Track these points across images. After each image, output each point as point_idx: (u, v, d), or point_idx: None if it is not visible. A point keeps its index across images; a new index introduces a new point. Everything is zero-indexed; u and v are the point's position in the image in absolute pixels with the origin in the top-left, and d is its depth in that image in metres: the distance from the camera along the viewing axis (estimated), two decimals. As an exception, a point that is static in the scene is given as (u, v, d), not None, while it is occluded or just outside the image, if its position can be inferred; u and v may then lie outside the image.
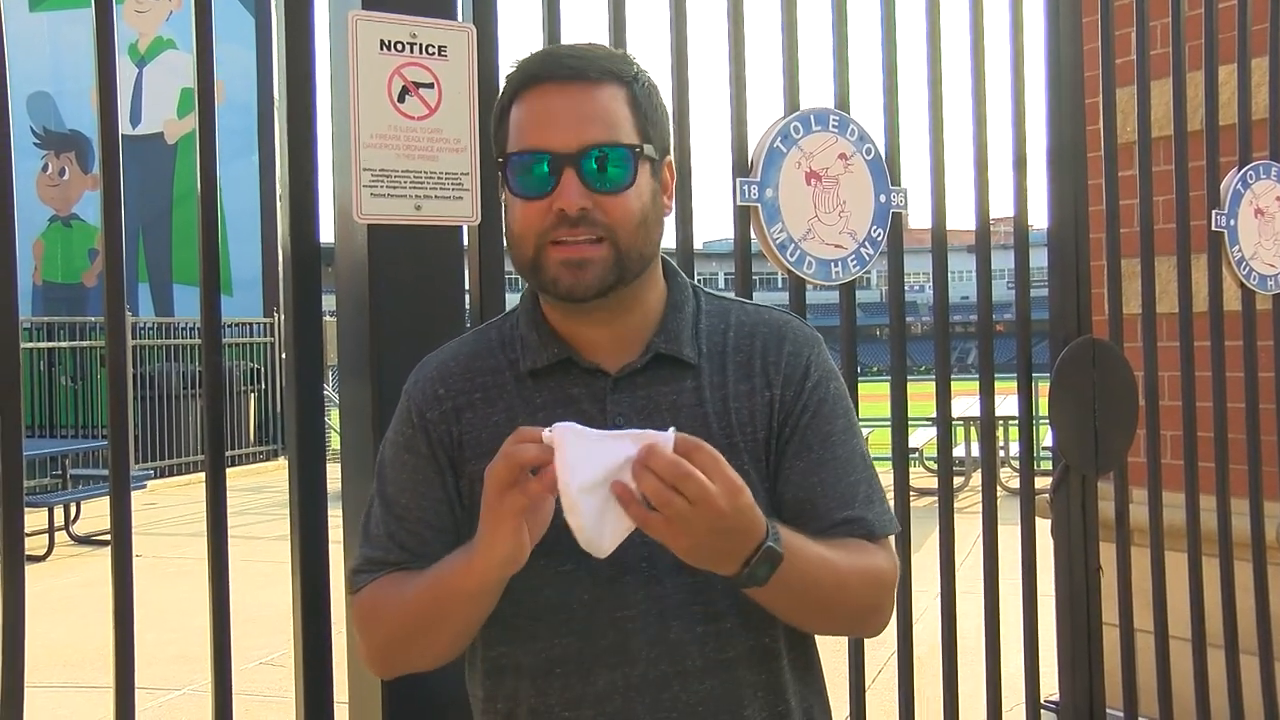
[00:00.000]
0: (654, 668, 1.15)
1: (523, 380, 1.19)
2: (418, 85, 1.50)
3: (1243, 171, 2.63)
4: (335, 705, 1.57)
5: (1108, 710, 2.41)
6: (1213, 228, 2.59)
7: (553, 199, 1.10)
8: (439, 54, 1.51)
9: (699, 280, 1.39)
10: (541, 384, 1.18)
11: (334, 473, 1.57)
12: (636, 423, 1.14)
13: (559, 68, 1.13)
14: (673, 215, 1.55)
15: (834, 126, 2.03)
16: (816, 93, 2.03)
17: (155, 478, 9.95)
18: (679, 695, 1.16)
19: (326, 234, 1.58)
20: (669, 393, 1.18)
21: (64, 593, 6.18)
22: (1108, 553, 2.42)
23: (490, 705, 1.22)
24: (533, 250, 1.12)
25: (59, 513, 7.64)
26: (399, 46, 1.48)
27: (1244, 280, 2.63)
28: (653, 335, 1.19)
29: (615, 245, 1.11)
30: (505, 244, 1.18)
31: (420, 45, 1.50)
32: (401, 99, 1.48)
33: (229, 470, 1.52)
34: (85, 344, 11.37)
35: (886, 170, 2.09)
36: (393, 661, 1.23)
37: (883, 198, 2.08)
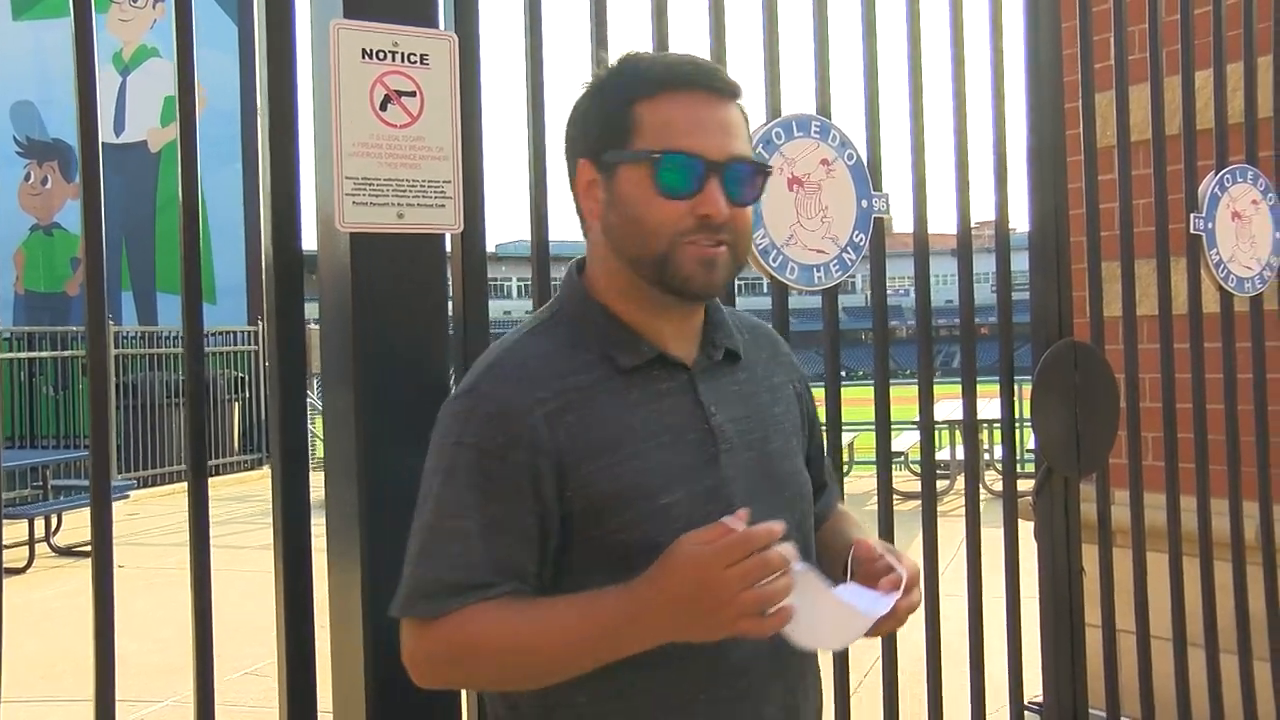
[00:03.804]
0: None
1: (610, 378, 1.20)
2: (400, 93, 1.50)
3: (1220, 175, 2.66)
4: (319, 715, 1.57)
5: (1090, 711, 2.42)
6: (1191, 231, 2.62)
7: (696, 203, 1.16)
8: (421, 62, 1.51)
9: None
10: (630, 380, 1.20)
11: (317, 481, 1.56)
12: (725, 412, 1.25)
13: (709, 78, 1.20)
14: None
15: (815, 132, 2.04)
16: (798, 99, 2.05)
17: (138, 488, 9.87)
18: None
19: (309, 242, 1.58)
20: (731, 384, 1.28)
21: (44, 605, 6.13)
22: (1090, 554, 2.44)
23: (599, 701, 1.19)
24: (667, 246, 1.17)
25: (39, 524, 7.57)
26: (381, 55, 1.48)
27: (1222, 283, 2.65)
28: (708, 330, 1.28)
29: (734, 252, 1.21)
30: (613, 234, 1.20)
31: (402, 53, 1.50)
32: (383, 107, 1.49)
33: (213, 479, 1.52)
34: (67, 354, 11.29)
35: (868, 175, 2.10)
36: (478, 686, 1.20)
37: (864, 203, 2.10)
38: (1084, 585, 2.41)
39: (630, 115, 1.18)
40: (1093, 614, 2.43)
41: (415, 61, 1.51)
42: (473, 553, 1.14)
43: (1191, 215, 2.61)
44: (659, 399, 1.21)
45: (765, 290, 2.27)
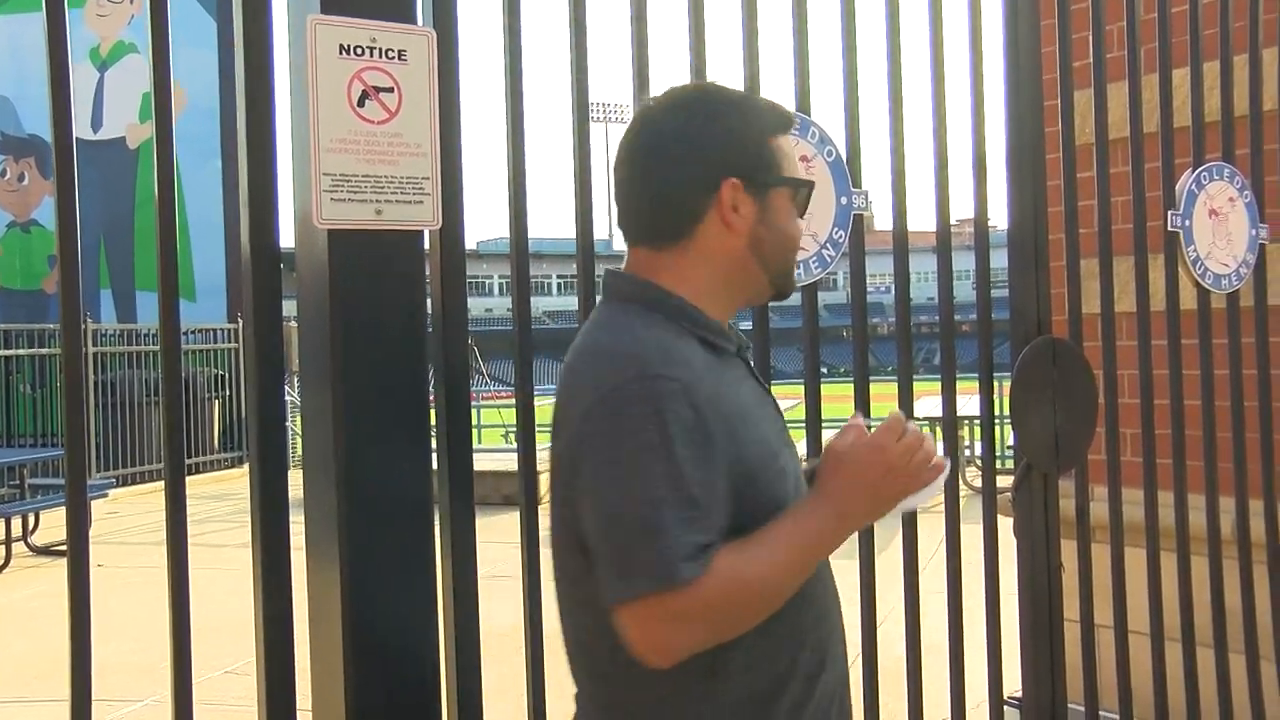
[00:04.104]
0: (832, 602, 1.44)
1: (713, 362, 1.33)
2: (378, 89, 1.49)
3: (1197, 173, 2.67)
4: (298, 714, 1.56)
5: (1069, 705, 2.44)
6: (1169, 228, 2.63)
7: (803, 224, 1.45)
8: (399, 58, 1.50)
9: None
10: (726, 365, 1.36)
11: (297, 479, 1.55)
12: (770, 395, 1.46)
13: (793, 121, 1.47)
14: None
15: (795, 129, 2.04)
16: (777, 95, 2.04)
17: (118, 486, 9.80)
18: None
19: (288, 239, 1.57)
20: (750, 370, 1.46)
21: (23, 605, 6.09)
22: (1069, 550, 2.45)
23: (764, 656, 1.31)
24: (792, 259, 1.42)
25: (17, 523, 7.51)
26: (359, 51, 1.48)
27: (1199, 280, 2.67)
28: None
29: None
30: (762, 246, 1.37)
31: (380, 49, 1.49)
32: (361, 103, 1.48)
33: (193, 478, 1.51)
34: (45, 351, 11.19)
35: (848, 172, 2.11)
36: (728, 634, 1.27)
37: (844, 200, 2.10)
38: (1063, 581, 2.43)
39: (770, 146, 1.38)
40: (1071, 609, 2.45)
41: (393, 57, 1.50)
42: (705, 516, 1.23)
43: (1169, 213, 2.63)
44: (742, 380, 1.38)
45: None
